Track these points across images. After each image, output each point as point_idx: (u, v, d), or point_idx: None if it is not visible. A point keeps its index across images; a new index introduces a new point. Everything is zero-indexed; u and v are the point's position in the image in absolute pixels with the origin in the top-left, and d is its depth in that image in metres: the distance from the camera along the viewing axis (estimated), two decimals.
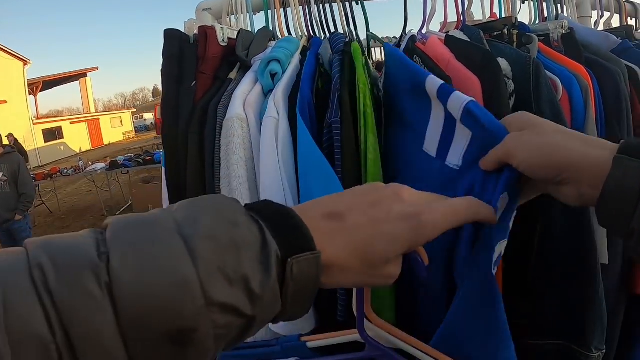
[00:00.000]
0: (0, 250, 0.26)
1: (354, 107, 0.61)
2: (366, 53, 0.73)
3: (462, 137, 0.48)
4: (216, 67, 0.74)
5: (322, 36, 0.83)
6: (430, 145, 0.54)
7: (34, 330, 0.22)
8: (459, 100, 0.46)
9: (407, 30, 0.80)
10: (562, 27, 0.91)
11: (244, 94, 0.67)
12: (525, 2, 1.07)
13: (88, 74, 24.67)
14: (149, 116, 31.33)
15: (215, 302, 0.25)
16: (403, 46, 0.74)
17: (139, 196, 6.33)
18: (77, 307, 0.23)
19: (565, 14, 1.11)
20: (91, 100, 26.14)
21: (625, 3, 1.13)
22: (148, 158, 6.56)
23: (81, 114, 26.79)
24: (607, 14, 1.16)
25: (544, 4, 1.06)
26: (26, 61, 16.95)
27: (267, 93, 0.68)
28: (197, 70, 0.73)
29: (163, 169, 0.72)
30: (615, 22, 1.21)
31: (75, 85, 25.08)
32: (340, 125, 0.60)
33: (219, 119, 0.64)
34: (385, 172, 0.60)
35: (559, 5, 1.10)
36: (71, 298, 0.23)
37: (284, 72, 0.69)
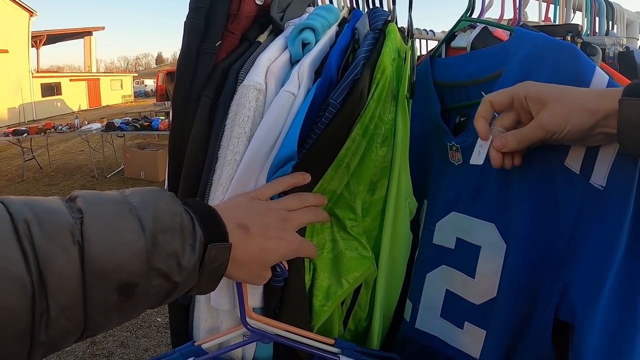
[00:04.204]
0: None
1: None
2: (409, 41, 0.64)
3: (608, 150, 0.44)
4: (247, 27, 0.64)
5: (365, 10, 0.74)
6: (574, 160, 0.47)
7: (14, 270, 0.28)
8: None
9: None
10: (619, 45, 0.85)
11: (269, 60, 0.58)
12: (577, 12, 0.99)
13: (94, 32, 24.16)
14: (150, 82, 30.60)
15: (154, 268, 0.34)
16: (474, 34, 0.66)
17: (131, 161, 6.13)
18: (53, 257, 0.30)
19: (616, 32, 1.05)
20: (93, 59, 25.65)
21: None
22: (146, 124, 6.35)
23: (82, 73, 26.29)
24: None
25: (597, 18, 0.99)
26: (32, 12, 16.52)
27: (294, 63, 0.59)
28: (225, 29, 0.63)
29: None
30: None
31: (79, 42, 24.62)
32: (336, 110, 0.51)
33: (239, 85, 0.55)
34: None
35: (610, 22, 1.03)
36: (50, 249, 0.30)
37: (316, 43, 0.60)
